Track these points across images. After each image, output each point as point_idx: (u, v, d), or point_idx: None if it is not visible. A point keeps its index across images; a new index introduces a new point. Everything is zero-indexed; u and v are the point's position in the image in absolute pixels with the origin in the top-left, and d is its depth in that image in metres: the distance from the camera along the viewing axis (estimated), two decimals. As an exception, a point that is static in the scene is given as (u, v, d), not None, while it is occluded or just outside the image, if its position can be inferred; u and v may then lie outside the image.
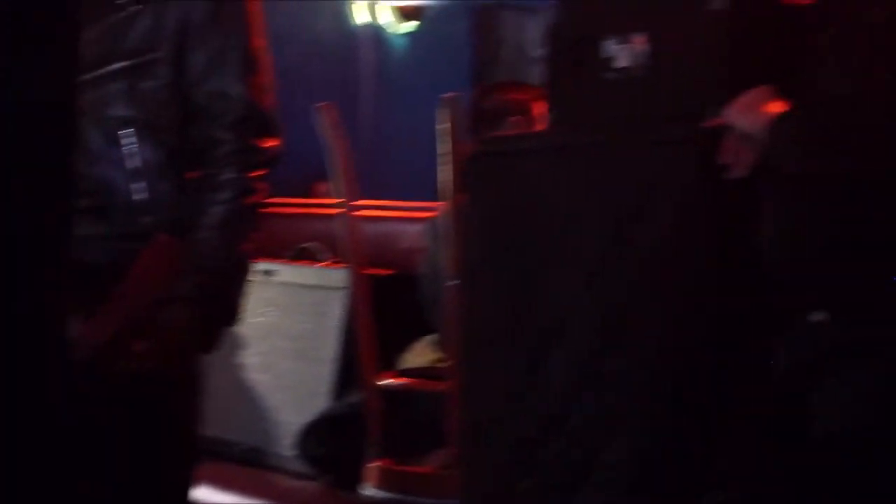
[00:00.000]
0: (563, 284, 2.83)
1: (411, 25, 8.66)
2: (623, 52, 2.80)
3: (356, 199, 4.03)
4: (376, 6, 8.59)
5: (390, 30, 8.67)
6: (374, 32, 8.51)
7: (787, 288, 2.58)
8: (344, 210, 4.02)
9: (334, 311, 4.43)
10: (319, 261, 4.72)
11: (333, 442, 4.20)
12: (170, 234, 2.43)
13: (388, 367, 4.15)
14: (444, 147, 3.54)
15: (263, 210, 2.52)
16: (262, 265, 4.21)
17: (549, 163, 2.90)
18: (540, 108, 3.72)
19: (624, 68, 2.80)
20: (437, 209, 3.84)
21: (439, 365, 3.87)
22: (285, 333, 4.54)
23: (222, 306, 2.51)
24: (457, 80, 8.04)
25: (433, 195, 3.78)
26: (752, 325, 2.66)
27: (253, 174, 2.48)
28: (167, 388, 2.43)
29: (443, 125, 3.56)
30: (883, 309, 2.47)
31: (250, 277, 2.56)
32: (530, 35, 7.71)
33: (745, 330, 2.67)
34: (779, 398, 2.61)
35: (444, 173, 3.58)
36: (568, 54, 2.93)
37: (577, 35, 2.92)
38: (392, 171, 6.59)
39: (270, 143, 2.50)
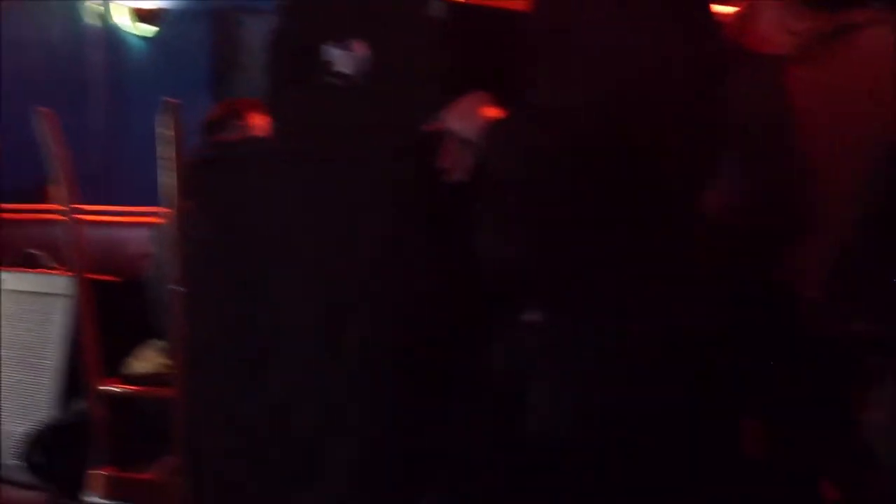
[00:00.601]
0: (285, 290, 2.83)
1: (149, 29, 8.56)
2: (344, 59, 2.80)
3: (78, 205, 3.95)
4: (111, 8, 8.46)
5: (127, 33, 8.57)
6: (110, 35, 8.39)
7: (501, 288, 2.63)
8: (66, 216, 3.92)
9: (59, 318, 4.33)
10: (46, 267, 4.61)
11: (57, 451, 4.13)
12: None
13: (115, 373, 4.07)
14: (165, 152, 3.49)
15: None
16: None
17: (271, 169, 2.89)
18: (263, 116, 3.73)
19: (345, 75, 2.80)
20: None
21: (165, 371, 3.83)
22: (8, 342, 4.41)
23: None
24: (196, 85, 7.99)
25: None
26: (472, 326, 2.72)
27: None
28: None
29: (164, 130, 3.50)
30: (591, 307, 2.53)
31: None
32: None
33: (466, 330, 2.72)
34: (497, 397, 2.67)
35: (167, 179, 3.52)
36: (289, 61, 2.92)
37: (298, 41, 2.91)
38: (127, 176, 6.51)
39: None
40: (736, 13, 3.08)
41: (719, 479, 2.89)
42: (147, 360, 4.13)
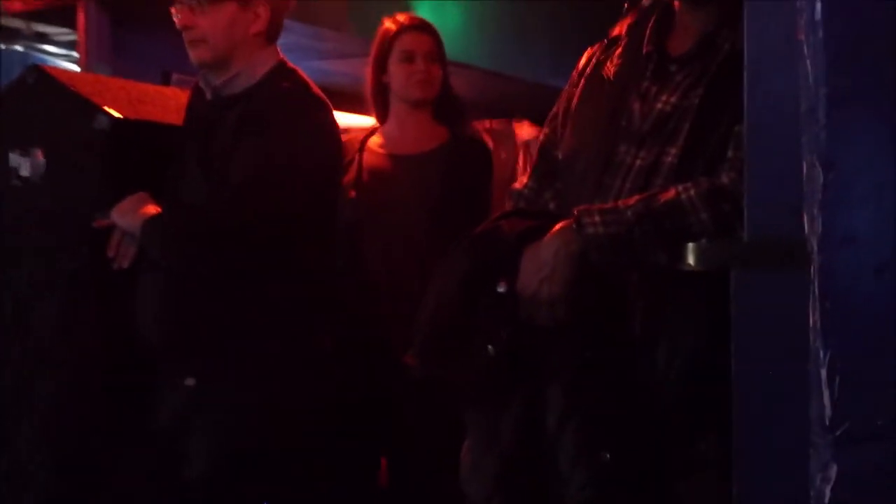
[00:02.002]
0: None
1: None
2: (25, 163, 2.94)
3: None
4: None
5: None
6: None
7: (163, 358, 2.80)
8: None
9: None
10: None
11: None
12: None
13: None
14: None
15: None
16: None
17: None
18: None
19: (26, 177, 2.94)
20: None
21: None
22: None
23: None
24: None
25: None
26: (139, 389, 2.80)
27: None
28: None
29: None
30: (233, 372, 2.74)
31: None
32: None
33: (133, 391, 2.81)
34: (153, 447, 2.81)
35: None
36: None
37: None
38: None
39: None
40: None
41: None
42: None
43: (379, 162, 3.44)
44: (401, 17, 3.51)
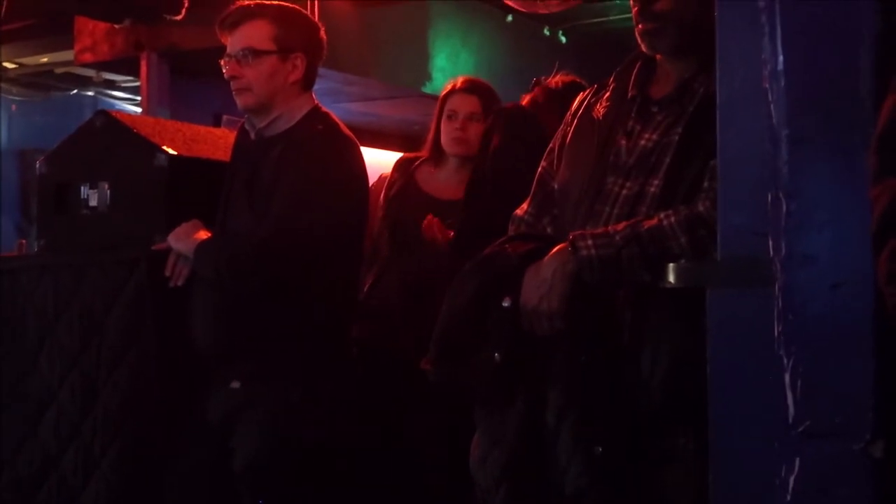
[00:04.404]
0: (51, 365, 2.91)
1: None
2: (93, 195, 2.97)
3: None
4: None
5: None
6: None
7: (214, 364, 2.79)
8: None
9: None
10: None
11: None
12: None
13: None
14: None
15: None
16: None
17: (40, 276, 2.97)
18: None
19: (94, 206, 2.97)
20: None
21: None
22: None
23: None
24: (4, 210, 7.82)
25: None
26: (193, 390, 2.82)
27: None
28: None
29: None
30: (278, 374, 2.73)
31: None
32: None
33: (190, 393, 2.82)
34: (205, 441, 2.80)
35: None
36: (53, 196, 3.06)
37: (59, 181, 3.06)
38: None
39: None
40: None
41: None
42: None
43: (418, 195, 3.44)
44: (459, 79, 3.50)
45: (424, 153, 3.51)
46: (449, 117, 3.41)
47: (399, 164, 3.51)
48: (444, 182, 3.44)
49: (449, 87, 3.48)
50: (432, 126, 3.48)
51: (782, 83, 1.48)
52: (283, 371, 2.73)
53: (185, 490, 2.82)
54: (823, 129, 1.47)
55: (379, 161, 4.00)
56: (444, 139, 3.42)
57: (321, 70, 2.94)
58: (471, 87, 3.44)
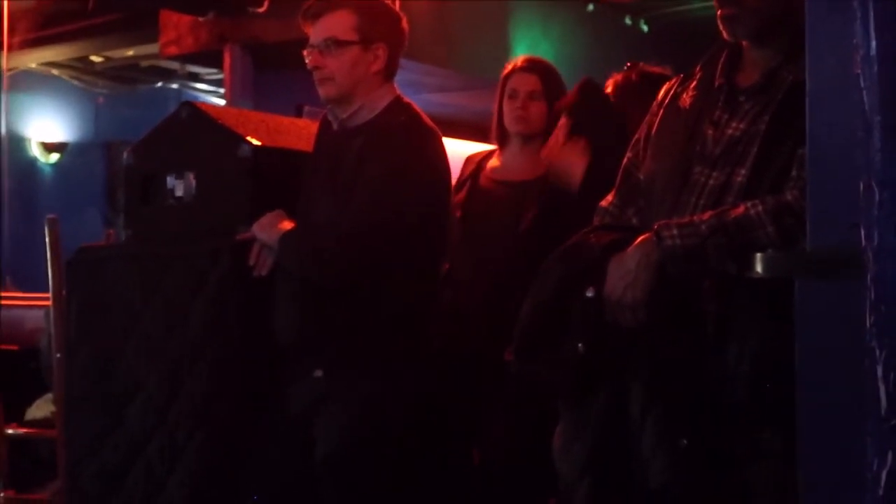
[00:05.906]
0: (137, 354, 2.95)
1: (55, 157, 8.56)
2: (179, 185, 3.00)
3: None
4: (27, 140, 8.47)
5: (38, 160, 8.55)
6: (25, 162, 8.35)
7: (296, 354, 2.81)
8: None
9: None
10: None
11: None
12: None
13: (16, 418, 4.15)
14: (51, 254, 3.62)
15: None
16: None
17: (126, 265, 3.02)
18: None
19: (180, 196, 3.00)
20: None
21: (53, 416, 3.90)
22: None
23: None
24: (91, 201, 8.02)
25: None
26: (275, 379, 2.84)
27: None
28: None
29: (47, 238, 3.63)
30: (358, 365, 2.74)
31: None
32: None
33: (270, 382, 2.85)
34: (287, 430, 2.83)
35: (53, 272, 3.64)
36: (140, 186, 3.10)
37: (146, 172, 3.10)
38: (29, 270, 6.49)
39: None
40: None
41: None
42: (41, 408, 4.19)
43: (487, 185, 3.42)
44: (519, 59, 3.49)
45: (492, 139, 3.50)
46: (510, 96, 3.40)
47: (467, 162, 3.51)
48: (510, 164, 3.42)
49: (509, 67, 3.46)
50: (495, 108, 3.46)
51: (875, 69, 1.44)
52: (366, 362, 2.74)
53: (266, 479, 2.84)
54: (918, 116, 1.43)
55: (457, 152, 3.99)
56: (506, 118, 3.40)
57: (401, 62, 2.94)
58: (531, 66, 3.43)
